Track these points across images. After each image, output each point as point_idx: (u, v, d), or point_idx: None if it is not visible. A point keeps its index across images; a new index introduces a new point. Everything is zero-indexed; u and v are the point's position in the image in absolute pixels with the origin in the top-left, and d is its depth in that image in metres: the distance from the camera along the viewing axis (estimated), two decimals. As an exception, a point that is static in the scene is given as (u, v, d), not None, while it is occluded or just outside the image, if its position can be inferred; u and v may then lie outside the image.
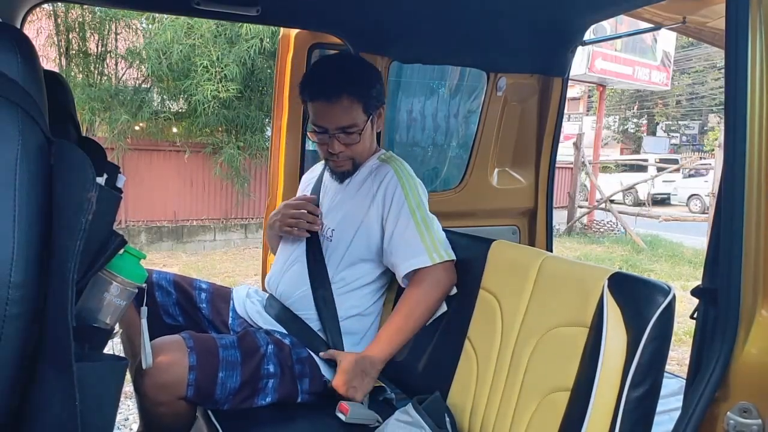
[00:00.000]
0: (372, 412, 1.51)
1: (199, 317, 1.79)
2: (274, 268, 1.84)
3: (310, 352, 1.63)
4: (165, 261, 6.96)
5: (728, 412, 0.98)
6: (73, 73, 7.31)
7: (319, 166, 1.94)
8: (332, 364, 1.61)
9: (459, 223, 2.15)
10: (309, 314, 1.69)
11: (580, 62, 10.50)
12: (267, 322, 1.72)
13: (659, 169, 14.10)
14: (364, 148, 1.69)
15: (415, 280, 1.59)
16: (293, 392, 1.59)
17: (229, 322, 1.80)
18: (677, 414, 1.03)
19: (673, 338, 1.15)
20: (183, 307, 1.77)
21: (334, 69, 1.69)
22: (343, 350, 1.63)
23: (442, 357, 1.57)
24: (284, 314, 1.71)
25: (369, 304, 1.72)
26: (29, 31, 5.41)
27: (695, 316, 1.08)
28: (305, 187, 1.95)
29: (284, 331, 1.68)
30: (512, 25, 2.11)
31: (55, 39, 7.21)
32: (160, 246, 7.62)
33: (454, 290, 1.62)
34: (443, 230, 1.77)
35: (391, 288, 1.77)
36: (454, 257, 1.61)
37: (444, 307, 1.62)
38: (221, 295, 1.84)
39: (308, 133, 1.72)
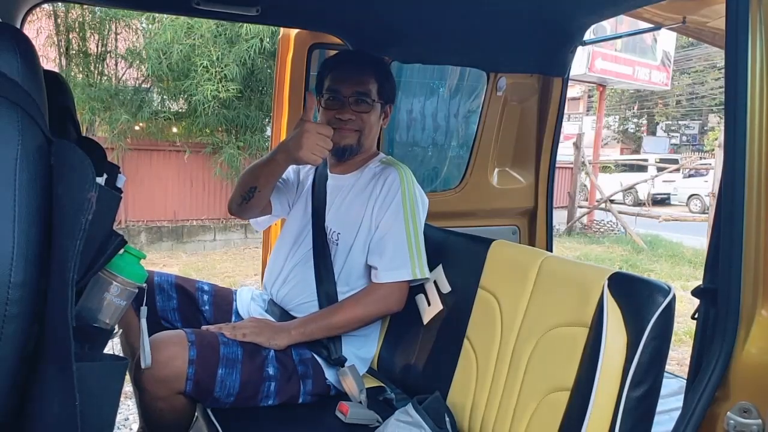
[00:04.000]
0: (372, 412, 1.51)
1: (200, 321, 1.78)
2: (272, 268, 1.81)
3: (313, 353, 1.63)
4: (165, 261, 6.96)
5: (728, 412, 0.98)
6: (73, 73, 7.30)
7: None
8: (335, 363, 1.61)
9: (459, 223, 2.15)
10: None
11: (580, 62, 10.49)
12: None
13: (659, 169, 14.10)
14: (371, 126, 1.71)
15: (384, 285, 1.61)
16: (295, 394, 1.58)
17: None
18: (677, 414, 1.03)
19: (673, 338, 1.15)
20: (183, 313, 1.76)
21: (365, 54, 1.88)
22: (342, 353, 1.63)
23: (442, 357, 1.57)
24: (285, 319, 1.70)
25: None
26: (29, 31, 5.40)
27: (696, 316, 1.08)
28: (296, 177, 1.89)
29: None
30: (512, 25, 2.11)
31: (55, 39, 7.21)
32: (160, 246, 7.62)
33: (449, 288, 1.62)
34: (442, 230, 1.77)
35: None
36: (429, 277, 1.64)
37: (439, 305, 1.62)
38: (223, 297, 1.84)
39: (319, 101, 1.71)
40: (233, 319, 1.81)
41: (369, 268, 1.68)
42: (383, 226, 1.63)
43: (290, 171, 1.86)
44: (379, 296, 1.62)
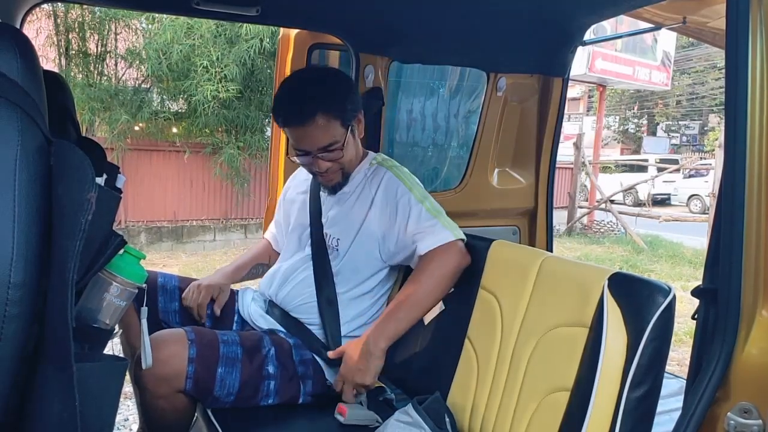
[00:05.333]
0: (372, 412, 1.51)
1: (202, 322, 1.78)
2: (273, 271, 1.82)
3: (314, 354, 1.63)
4: (165, 261, 6.95)
5: (729, 413, 0.98)
6: (72, 73, 7.30)
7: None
8: (335, 365, 1.61)
9: (459, 224, 2.13)
10: (311, 319, 1.69)
11: (580, 62, 10.47)
12: (270, 324, 1.72)
13: (659, 170, 14.10)
14: (350, 157, 1.66)
15: (434, 252, 1.55)
16: (295, 394, 1.59)
17: (233, 326, 1.80)
18: (677, 414, 1.03)
19: (673, 338, 1.15)
20: (184, 314, 1.76)
21: (303, 89, 1.60)
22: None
23: (442, 357, 1.57)
24: (286, 320, 1.71)
25: (373, 312, 1.71)
26: (29, 31, 5.40)
27: (696, 316, 1.08)
28: (294, 193, 1.91)
29: (287, 332, 1.68)
30: (512, 25, 2.11)
31: (55, 39, 7.21)
32: (159, 246, 7.62)
33: (451, 289, 1.61)
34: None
35: (393, 296, 1.77)
36: (464, 237, 1.60)
37: (441, 306, 1.62)
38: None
39: (289, 157, 1.70)
40: (235, 319, 1.82)
41: (367, 270, 1.69)
42: (402, 219, 1.61)
43: (280, 205, 1.97)
44: (440, 260, 1.55)
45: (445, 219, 1.61)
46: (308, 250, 1.74)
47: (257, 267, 1.97)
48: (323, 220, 1.75)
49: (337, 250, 1.70)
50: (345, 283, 1.69)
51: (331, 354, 1.60)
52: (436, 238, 1.56)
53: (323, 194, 1.77)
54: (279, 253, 1.98)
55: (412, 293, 1.56)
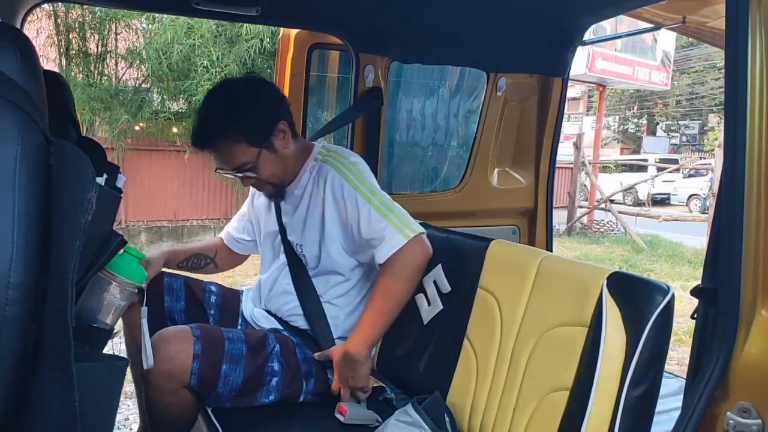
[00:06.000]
0: (371, 412, 1.51)
1: (206, 322, 1.78)
2: (255, 286, 1.83)
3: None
4: (165, 261, 6.94)
5: (728, 412, 0.98)
6: (73, 73, 7.30)
7: None
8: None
9: (459, 223, 2.15)
10: (303, 323, 1.69)
11: (580, 62, 10.46)
12: (272, 324, 1.73)
13: (659, 169, 14.11)
14: (271, 172, 1.60)
15: (391, 258, 1.54)
16: (296, 391, 1.59)
17: (238, 327, 1.80)
18: (677, 414, 1.03)
19: (673, 338, 1.15)
20: (189, 314, 1.76)
21: (207, 113, 1.59)
22: None
23: (442, 357, 1.57)
24: (284, 323, 1.72)
25: (360, 309, 1.70)
26: (29, 31, 5.40)
27: (695, 316, 1.08)
28: (260, 200, 1.85)
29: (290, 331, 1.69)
30: (512, 25, 2.11)
31: (55, 39, 7.21)
32: (160, 246, 7.61)
33: (449, 288, 1.61)
34: (442, 230, 1.77)
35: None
36: (424, 230, 1.58)
37: (439, 305, 1.62)
38: (230, 298, 1.85)
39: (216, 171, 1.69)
40: (239, 321, 1.82)
41: (345, 267, 1.67)
42: (353, 221, 1.58)
43: (247, 206, 1.92)
44: (401, 263, 1.55)
45: (396, 216, 1.56)
46: (283, 258, 1.73)
47: (198, 257, 1.92)
48: (285, 227, 1.73)
49: (304, 256, 1.68)
50: (324, 284, 1.68)
51: (317, 356, 1.61)
52: (389, 245, 1.54)
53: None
54: (230, 249, 1.97)
55: (383, 298, 1.57)
